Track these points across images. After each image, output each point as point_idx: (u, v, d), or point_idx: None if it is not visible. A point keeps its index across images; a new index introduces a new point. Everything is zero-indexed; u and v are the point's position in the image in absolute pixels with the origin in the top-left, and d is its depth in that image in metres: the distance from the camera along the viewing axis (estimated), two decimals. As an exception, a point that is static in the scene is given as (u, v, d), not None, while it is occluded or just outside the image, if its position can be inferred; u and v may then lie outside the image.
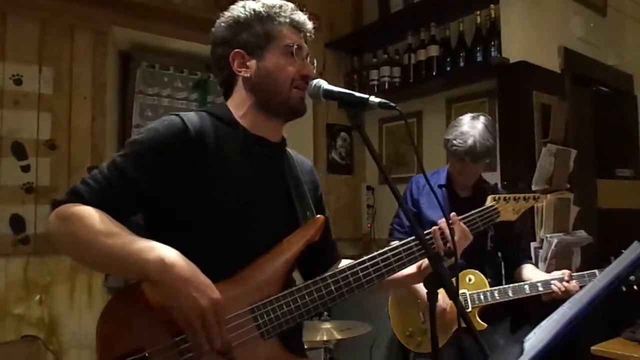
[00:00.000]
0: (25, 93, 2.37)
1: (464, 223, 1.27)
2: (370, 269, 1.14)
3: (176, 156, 1.05)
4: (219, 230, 1.06)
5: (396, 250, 1.17)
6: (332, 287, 1.10)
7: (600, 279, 0.88)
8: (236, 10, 1.18)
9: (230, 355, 0.97)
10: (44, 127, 2.41)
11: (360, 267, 1.13)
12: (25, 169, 2.35)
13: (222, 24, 1.19)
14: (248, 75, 1.15)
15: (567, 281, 1.88)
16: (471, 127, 2.01)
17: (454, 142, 2.01)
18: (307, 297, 1.08)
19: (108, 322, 0.98)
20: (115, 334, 0.97)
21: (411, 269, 1.25)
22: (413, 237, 1.16)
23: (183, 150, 1.05)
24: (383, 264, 1.15)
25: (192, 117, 1.10)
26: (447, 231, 1.22)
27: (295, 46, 1.15)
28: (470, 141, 1.97)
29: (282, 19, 1.17)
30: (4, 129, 2.32)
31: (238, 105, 1.18)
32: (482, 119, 2.05)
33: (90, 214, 0.97)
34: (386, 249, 1.18)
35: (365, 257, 1.15)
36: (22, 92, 2.36)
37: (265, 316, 1.04)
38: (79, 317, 2.46)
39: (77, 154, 2.47)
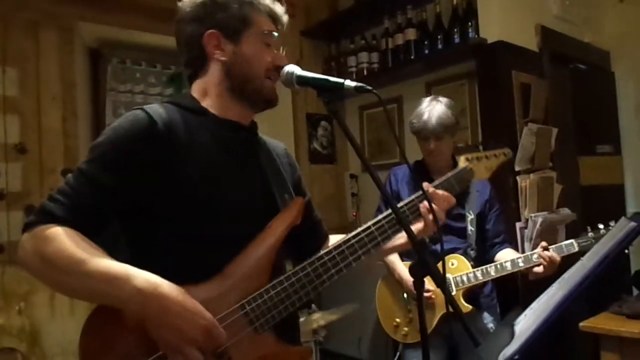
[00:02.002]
0: (-11, 95, 2.28)
1: (441, 188, 1.24)
2: (357, 246, 1.11)
3: (146, 154, 0.99)
4: (202, 223, 1.02)
5: (380, 224, 1.14)
6: (321, 270, 1.07)
7: (589, 258, 0.86)
8: None
9: (227, 357, 0.96)
10: (11, 130, 2.32)
11: (346, 245, 1.10)
12: (-5, 174, 2.27)
13: (194, 0, 1.12)
14: (224, 58, 1.11)
15: (545, 248, 1.91)
16: (428, 106, 2.12)
17: (413, 121, 2.13)
18: (296, 284, 1.05)
19: (89, 337, 0.95)
20: (97, 350, 0.94)
21: (402, 239, 1.23)
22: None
23: (153, 146, 0.99)
24: (368, 239, 1.12)
25: (158, 110, 1.04)
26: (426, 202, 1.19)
27: (272, 35, 1.14)
28: (425, 117, 2.07)
29: (261, 7, 1.14)
30: (-30, 134, 2.23)
31: (208, 87, 1.13)
32: (440, 99, 2.15)
33: (65, 237, 0.91)
34: (370, 223, 1.14)
35: (350, 235, 1.12)
36: (-15, 95, 2.27)
37: (256, 310, 1.01)
38: (62, 324, 2.39)
39: (49, 156, 2.39)
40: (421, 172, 2.21)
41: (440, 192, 1.22)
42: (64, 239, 0.91)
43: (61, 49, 2.48)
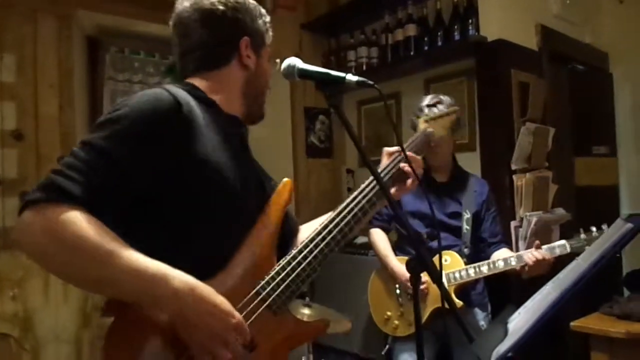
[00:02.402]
0: (-14, 81, 2.27)
1: (410, 151, 1.28)
2: (349, 217, 1.15)
3: (169, 136, 0.94)
4: (212, 212, 1.01)
5: (365, 191, 1.19)
6: (329, 238, 1.12)
7: (585, 258, 0.87)
8: None
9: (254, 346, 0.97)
10: (8, 117, 2.31)
11: (340, 217, 1.15)
12: (-9, 160, 2.26)
13: (228, 1, 1.13)
14: (251, 67, 1.16)
15: (538, 247, 1.94)
16: (428, 103, 2.15)
17: (414, 118, 2.14)
18: (303, 261, 1.08)
19: (114, 348, 0.89)
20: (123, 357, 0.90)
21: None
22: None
23: (176, 129, 0.95)
24: (358, 208, 1.17)
25: (180, 93, 1.01)
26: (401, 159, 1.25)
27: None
28: (426, 110, 2.09)
29: (268, 26, 1.22)
30: (-34, 120, 2.22)
31: (223, 84, 1.14)
32: (440, 97, 2.18)
33: (86, 223, 0.82)
34: (356, 193, 1.19)
35: (340, 207, 1.17)
36: (-18, 81, 2.26)
37: (272, 293, 1.03)
38: (55, 311, 2.39)
39: (45, 144, 2.37)
40: (423, 170, 2.22)
41: (410, 154, 1.26)
42: (85, 224, 0.82)
43: (59, 36, 2.46)
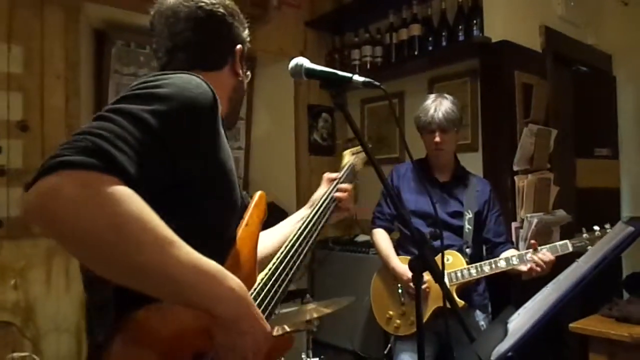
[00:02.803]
0: (-6, 72, 2.28)
1: (343, 182, 1.39)
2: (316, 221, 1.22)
3: (205, 129, 0.90)
4: (225, 209, 0.98)
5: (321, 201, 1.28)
6: (299, 250, 1.13)
7: (585, 260, 0.88)
8: (229, 4, 1.14)
9: None
10: (15, 108, 2.32)
11: (308, 224, 1.20)
12: (-4, 151, 2.27)
13: (227, 6, 1.12)
14: (240, 76, 1.15)
15: (535, 248, 1.96)
16: (434, 101, 2.19)
17: (420, 115, 2.20)
18: (283, 273, 1.06)
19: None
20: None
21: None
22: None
23: (213, 123, 0.92)
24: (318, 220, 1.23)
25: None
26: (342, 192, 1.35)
27: None
28: (432, 111, 2.15)
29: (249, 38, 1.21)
30: (-27, 110, 2.23)
31: (215, 86, 1.06)
32: (445, 96, 2.22)
33: (141, 204, 0.71)
34: (314, 211, 1.25)
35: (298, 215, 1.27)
36: (-10, 71, 2.27)
37: (260, 305, 0.98)
38: (57, 300, 2.41)
39: (50, 135, 2.38)
40: (423, 170, 2.25)
41: (343, 185, 1.37)
42: (142, 204, 0.71)
43: (66, 28, 2.47)
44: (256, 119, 3.64)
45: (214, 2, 1.11)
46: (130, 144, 0.73)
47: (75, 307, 2.45)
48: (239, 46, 1.14)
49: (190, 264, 0.75)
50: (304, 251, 1.14)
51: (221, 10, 1.11)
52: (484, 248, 2.24)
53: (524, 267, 1.96)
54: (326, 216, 1.27)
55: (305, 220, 1.21)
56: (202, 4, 1.09)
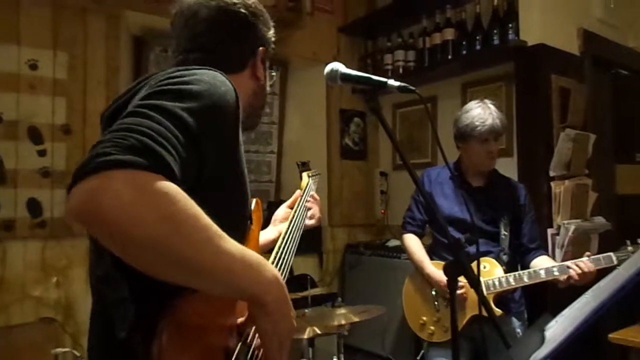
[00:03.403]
0: (41, 77, 2.38)
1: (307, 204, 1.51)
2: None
3: (230, 127, 0.88)
4: (237, 219, 0.98)
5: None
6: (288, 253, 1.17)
7: (627, 267, 0.86)
8: (253, 4, 1.11)
9: None
10: (59, 112, 2.42)
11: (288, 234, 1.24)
12: (42, 153, 2.37)
13: (249, 6, 1.10)
14: (262, 79, 1.12)
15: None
16: (483, 109, 2.11)
17: (476, 123, 2.08)
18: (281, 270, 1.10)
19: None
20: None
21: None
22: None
23: (237, 122, 0.90)
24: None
25: None
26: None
27: None
28: (490, 119, 2.07)
29: (274, 39, 1.17)
30: (21, 114, 2.33)
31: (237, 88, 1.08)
32: (487, 101, 2.15)
33: (190, 200, 0.70)
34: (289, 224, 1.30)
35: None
36: (37, 77, 2.37)
37: None
38: (96, 299, 2.49)
39: (92, 138, 2.47)
40: (457, 174, 2.21)
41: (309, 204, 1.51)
42: (190, 202, 0.70)
43: (108, 35, 2.57)
44: (288, 123, 3.68)
45: (236, 2, 1.07)
46: (172, 142, 0.72)
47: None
48: (261, 48, 1.11)
49: (239, 255, 0.76)
50: (293, 250, 1.18)
51: (243, 10, 1.08)
52: (516, 252, 2.19)
53: (563, 277, 1.90)
54: (303, 222, 1.37)
55: (289, 225, 1.27)
56: (223, 4, 1.06)
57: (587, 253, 1.92)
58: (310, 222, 1.49)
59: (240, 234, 0.98)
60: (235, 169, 0.92)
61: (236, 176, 0.93)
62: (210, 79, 0.85)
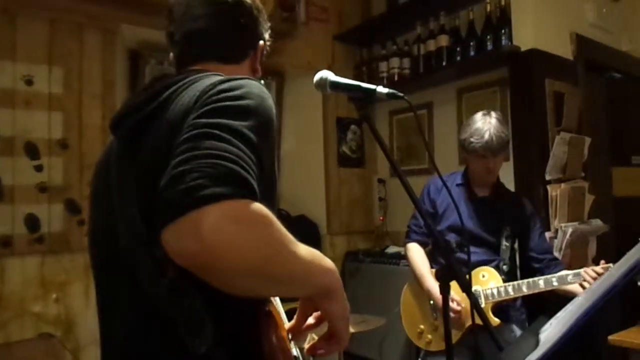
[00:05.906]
0: (37, 93, 2.39)
1: None
2: None
3: (274, 136, 0.88)
4: None
5: None
6: None
7: (617, 268, 0.86)
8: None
9: None
10: (55, 127, 2.43)
11: None
12: (38, 168, 2.37)
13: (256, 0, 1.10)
14: (259, 73, 1.11)
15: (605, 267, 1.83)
16: (485, 122, 2.06)
17: (472, 139, 2.05)
18: None
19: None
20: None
21: None
22: None
23: (274, 130, 0.89)
24: None
25: None
26: None
27: None
28: (487, 136, 2.02)
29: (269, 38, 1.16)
30: (17, 129, 2.33)
31: None
32: (493, 114, 2.10)
33: (274, 216, 0.73)
34: None
35: None
36: (33, 92, 2.38)
37: None
38: (95, 314, 2.47)
39: (88, 152, 2.48)
40: (463, 184, 2.21)
41: None
42: (274, 217, 0.73)
43: (104, 49, 2.58)
44: (285, 133, 3.69)
45: None
46: (249, 164, 0.73)
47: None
48: (261, 42, 1.11)
49: (310, 256, 0.78)
50: None
51: (248, 1, 1.07)
52: (528, 266, 2.17)
53: (572, 286, 1.88)
54: None
55: None
56: None
57: (602, 261, 1.87)
58: None
59: None
60: (273, 177, 0.92)
61: (272, 183, 0.92)
62: (258, 91, 0.85)
